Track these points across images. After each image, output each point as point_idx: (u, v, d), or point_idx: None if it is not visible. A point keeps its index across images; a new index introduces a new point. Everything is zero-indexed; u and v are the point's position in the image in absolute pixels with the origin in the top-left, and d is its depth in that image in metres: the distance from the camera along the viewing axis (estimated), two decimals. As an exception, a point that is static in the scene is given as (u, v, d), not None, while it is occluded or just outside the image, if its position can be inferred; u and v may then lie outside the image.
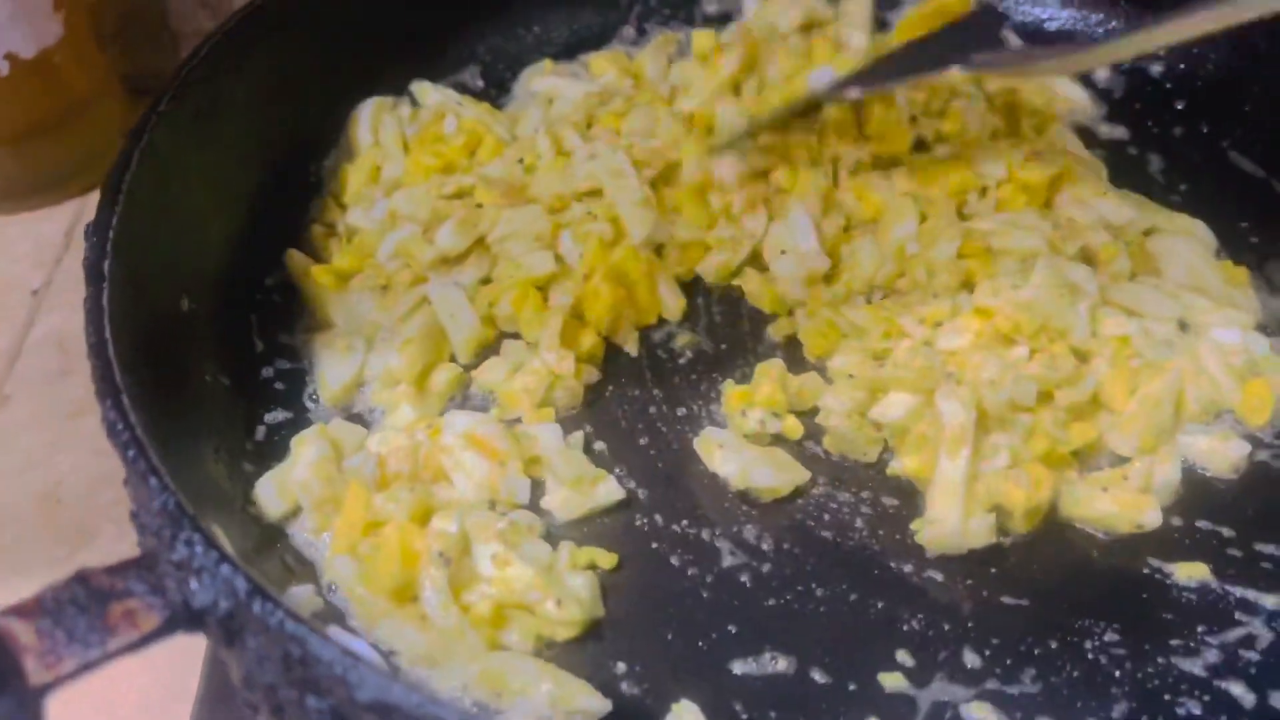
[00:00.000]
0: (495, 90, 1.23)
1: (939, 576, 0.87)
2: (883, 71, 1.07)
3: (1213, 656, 0.82)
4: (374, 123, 1.13)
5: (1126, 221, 1.03)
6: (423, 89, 1.18)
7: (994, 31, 1.04)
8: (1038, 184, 1.05)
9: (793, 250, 1.04)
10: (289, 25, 1.08)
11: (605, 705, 0.77)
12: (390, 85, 1.17)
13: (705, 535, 0.89)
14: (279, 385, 0.98)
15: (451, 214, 1.04)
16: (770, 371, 0.97)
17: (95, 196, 1.25)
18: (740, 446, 0.93)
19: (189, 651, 0.88)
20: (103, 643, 0.62)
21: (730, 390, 0.97)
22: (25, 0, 1.17)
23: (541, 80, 1.20)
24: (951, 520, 0.88)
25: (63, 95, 1.25)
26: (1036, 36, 1.22)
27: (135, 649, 0.63)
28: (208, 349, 0.94)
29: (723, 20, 1.28)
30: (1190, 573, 0.87)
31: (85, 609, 0.62)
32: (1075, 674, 0.81)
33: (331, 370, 0.97)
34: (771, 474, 0.92)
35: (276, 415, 0.96)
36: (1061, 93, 1.18)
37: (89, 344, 0.77)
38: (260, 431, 0.95)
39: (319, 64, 1.11)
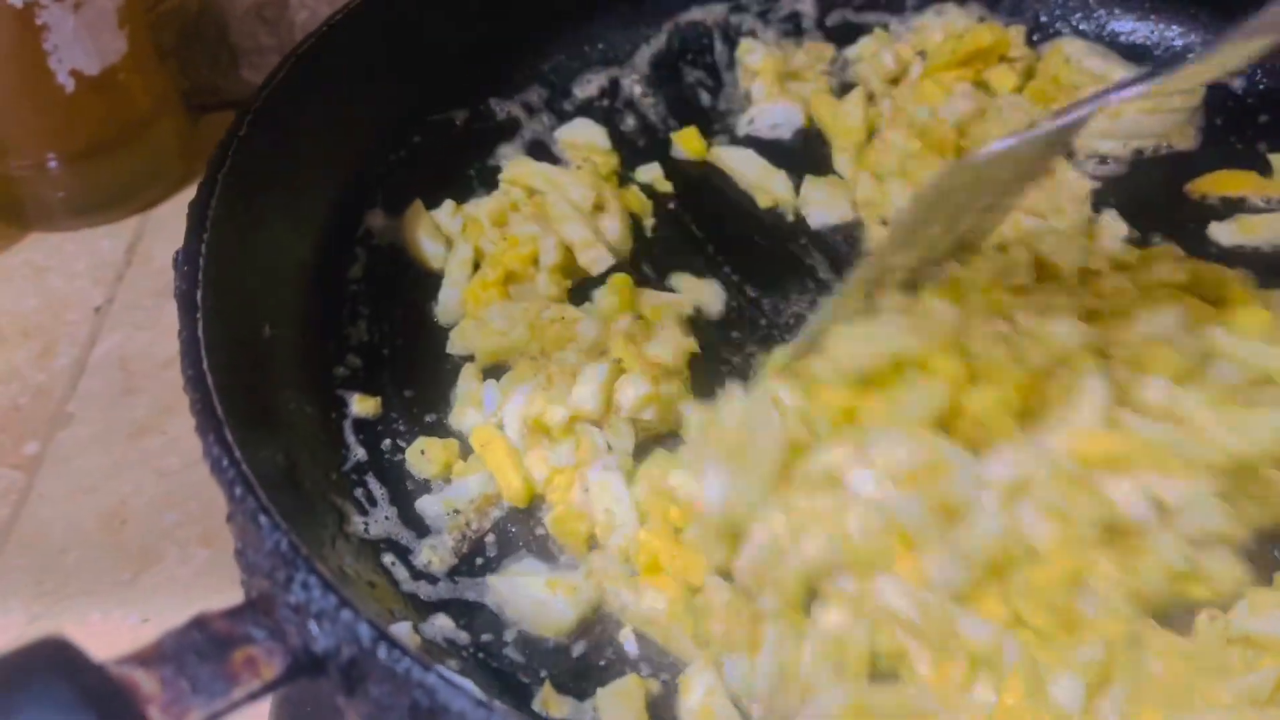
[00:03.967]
0: (558, 106, 1.17)
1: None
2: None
3: None
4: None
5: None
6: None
7: None
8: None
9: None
10: (360, 47, 1.03)
11: None
12: (459, 102, 1.13)
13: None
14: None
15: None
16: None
17: (155, 213, 1.26)
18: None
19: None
20: (227, 692, 0.56)
21: None
22: (91, 17, 1.14)
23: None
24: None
25: (125, 112, 1.22)
26: (1114, 50, 1.17)
27: (257, 698, 0.57)
28: (290, 377, 0.88)
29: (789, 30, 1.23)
30: None
31: (207, 656, 0.57)
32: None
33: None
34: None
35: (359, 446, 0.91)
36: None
37: (186, 376, 0.71)
38: (346, 461, 0.89)
39: (388, 85, 1.07)
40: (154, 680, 0.56)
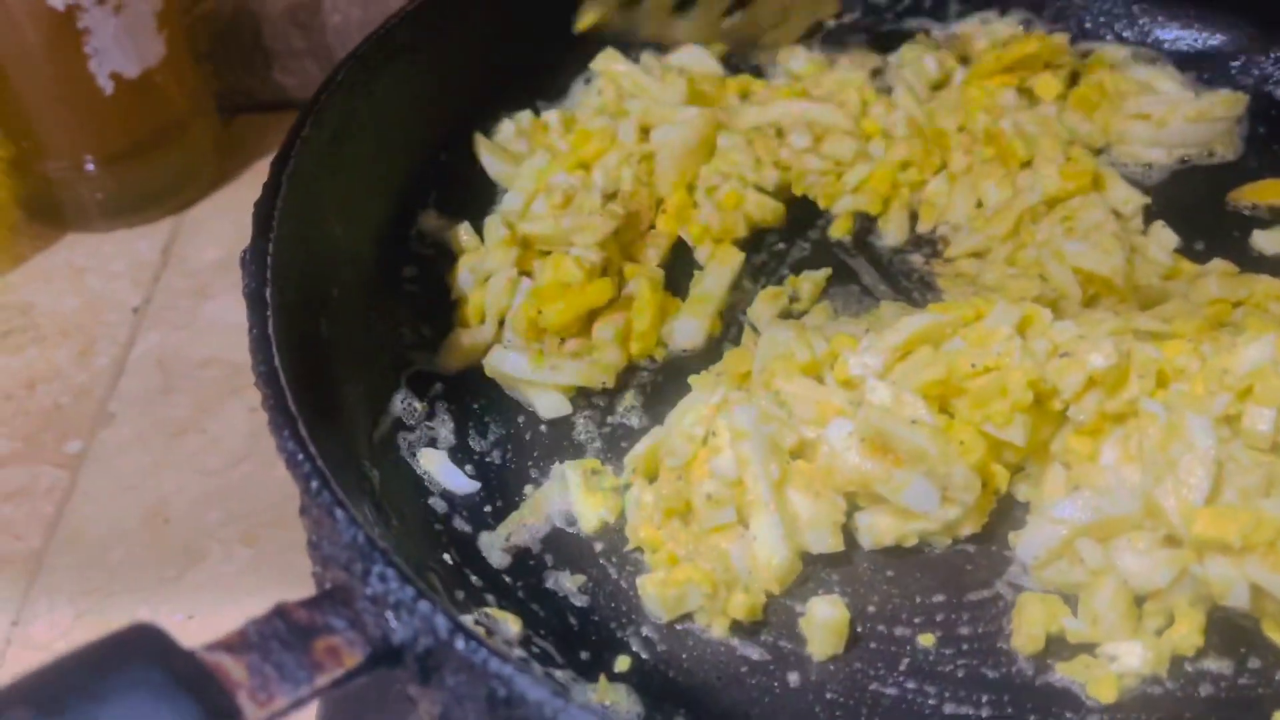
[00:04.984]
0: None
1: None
2: None
3: None
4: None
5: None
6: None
7: None
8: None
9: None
10: (417, 47, 1.02)
11: None
12: (511, 104, 1.12)
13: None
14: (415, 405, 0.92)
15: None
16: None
17: (190, 214, 1.26)
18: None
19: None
20: (311, 679, 0.56)
21: None
22: (131, 20, 1.14)
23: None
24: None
25: (163, 114, 1.22)
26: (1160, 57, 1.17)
27: (340, 685, 0.57)
28: (347, 373, 0.87)
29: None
30: None
31: (290, 645, 0.57)
32: None
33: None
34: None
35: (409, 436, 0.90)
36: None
37: (258, 373, 0.70)
38: (397, 454, 0.89)
39: (440, 87, 1.06)
40: (241, 667, 0.55)
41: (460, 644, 0.58)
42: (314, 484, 0.64)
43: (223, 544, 0.96)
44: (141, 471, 1.01)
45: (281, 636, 0.57)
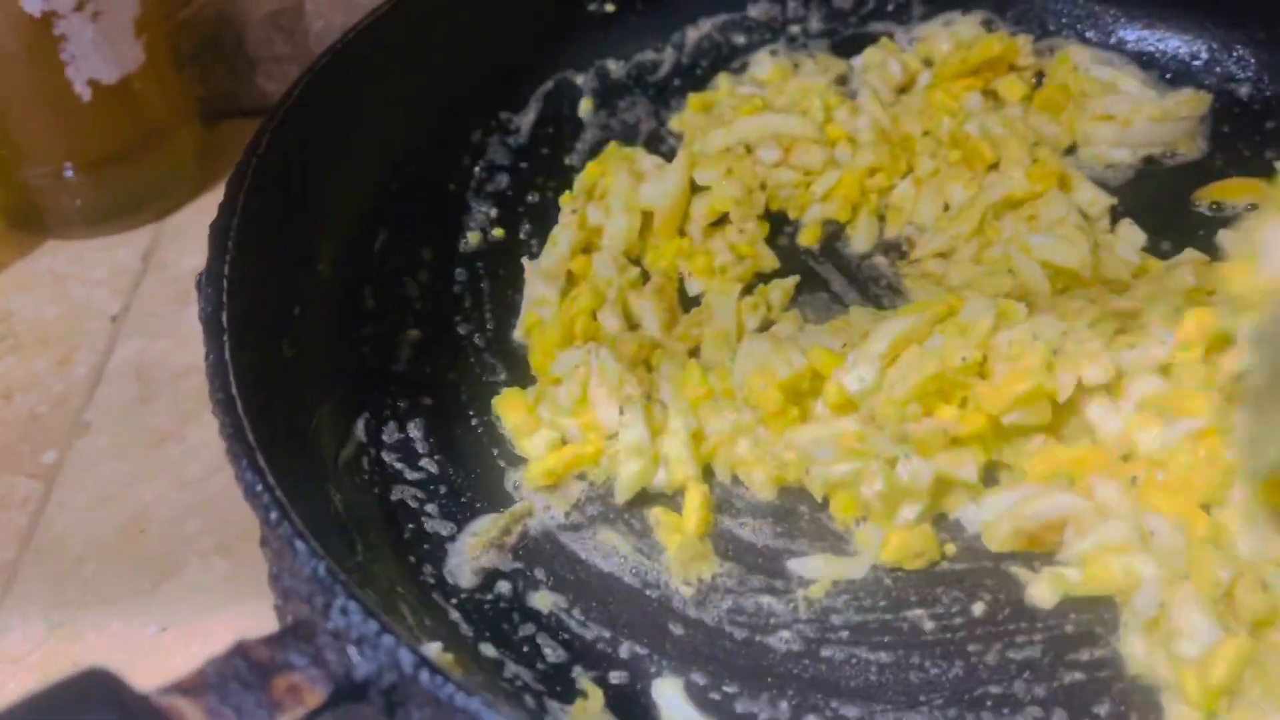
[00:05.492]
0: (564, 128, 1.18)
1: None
2: None
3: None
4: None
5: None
6: None
7: None
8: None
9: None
10: (375, 63, 1.03)
11: None
12: (471, 119, 1.13)
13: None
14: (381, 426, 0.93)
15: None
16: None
17: (172, 221, 1.25)
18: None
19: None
20: None
21: None
22: (109, 27, 1.13)
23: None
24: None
25: (143, 121, 1.21)
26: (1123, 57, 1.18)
27: None
28: (311, 395, 0.88)
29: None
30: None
31: (250, 685, 0.56)
32: None
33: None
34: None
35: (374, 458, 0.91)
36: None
37: (216, 400, 0.71)
38: (363, 477, 0.89)
39: (403, 101, 1.07)
40: (199, 710, 0.55)
41: (425, 678, 0.58)
42: (273, 515, 0.64)
43: (200, 555, 0.95)
44: (118, 481, 1.01)
45: (241, 676, 0.56)
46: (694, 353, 0.96)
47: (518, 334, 1.00)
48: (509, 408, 0.93)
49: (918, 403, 0.84)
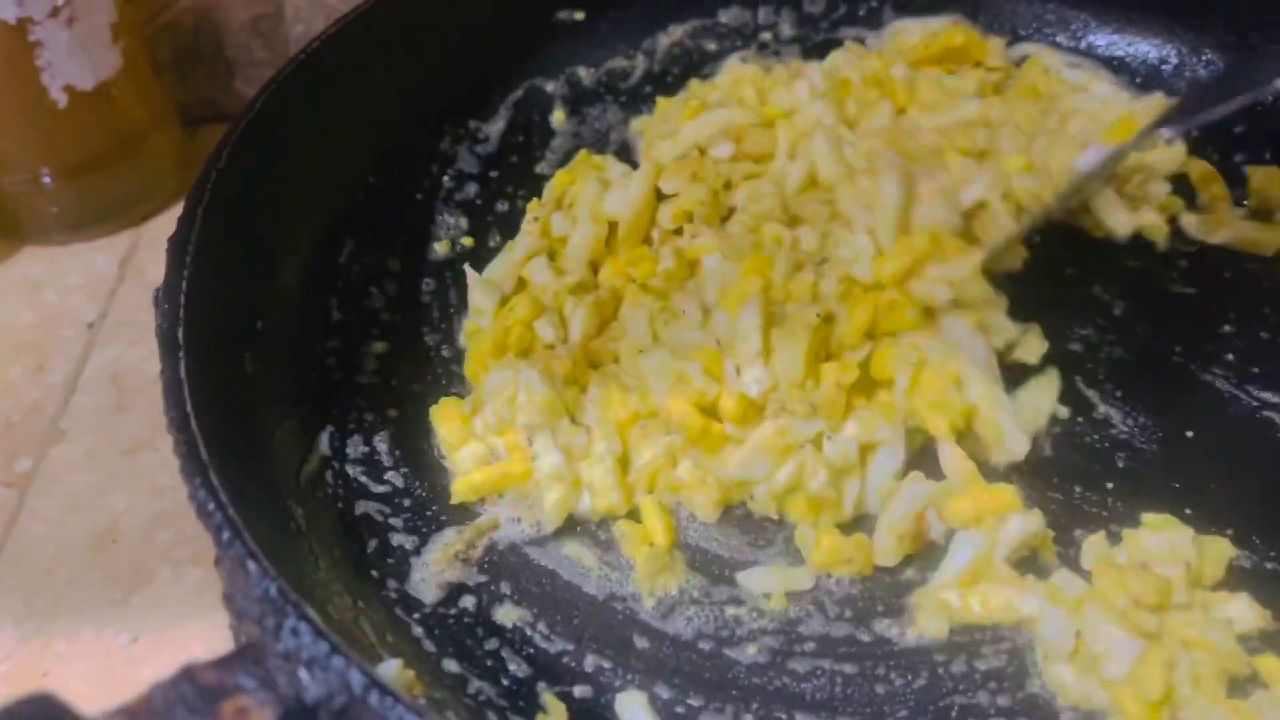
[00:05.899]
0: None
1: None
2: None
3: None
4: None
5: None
6: None
7: None
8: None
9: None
10: (337, 75, 1.03)
11: None
12: (437, 130, 1.14)
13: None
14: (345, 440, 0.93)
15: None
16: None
17: (149, 227, 1.24)
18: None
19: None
20: None
21: None
22: (85, 32, 1.13)
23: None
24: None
25: (120, 127, 1.21)
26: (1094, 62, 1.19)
27: None
28: (274, 409, 0.88)
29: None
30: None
31: (196, 709, 0.56)
32: None
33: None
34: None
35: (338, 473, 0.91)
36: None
37: (169, 417, 0.70)
38: (326, 492, 0.89)
39: (366, 113, 1.07)
40: (143, 737, 0.55)
41: (375, 699, 0.58)
42: (225, 535, 0.64)
43: (172, 565, 0.95)
44: (91, 490, 1.01)
45: (187, 701, 0.56)
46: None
47: (460, 342, 1.00)
48: (444, 417, 0.93)
49: (811, 378, 0.86)
